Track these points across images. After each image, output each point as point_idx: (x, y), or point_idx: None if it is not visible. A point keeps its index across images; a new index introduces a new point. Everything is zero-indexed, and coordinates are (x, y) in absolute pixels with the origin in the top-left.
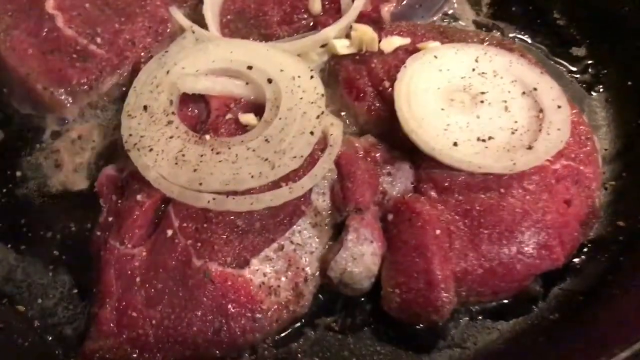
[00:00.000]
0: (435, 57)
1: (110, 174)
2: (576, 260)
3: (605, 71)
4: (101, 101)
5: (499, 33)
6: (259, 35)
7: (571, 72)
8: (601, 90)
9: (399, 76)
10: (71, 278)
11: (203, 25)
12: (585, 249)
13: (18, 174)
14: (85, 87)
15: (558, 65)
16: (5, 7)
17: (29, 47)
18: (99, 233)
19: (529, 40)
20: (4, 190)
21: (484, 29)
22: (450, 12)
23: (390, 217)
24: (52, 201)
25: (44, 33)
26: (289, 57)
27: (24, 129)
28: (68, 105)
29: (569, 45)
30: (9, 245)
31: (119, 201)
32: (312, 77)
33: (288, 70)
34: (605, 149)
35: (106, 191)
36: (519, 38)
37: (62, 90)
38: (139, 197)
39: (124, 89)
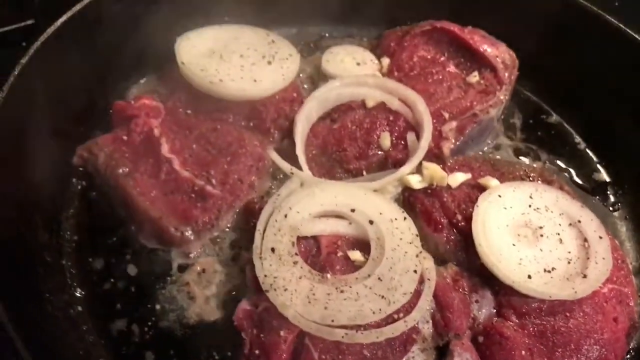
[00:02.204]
0: (499, 196)
1: (246, 308)
2: None
3: (621, 191)
4: (219, 236)
5: (528, 159)
6: (341, 169)
7: (593, 192)
8: (620, 207)
9: (474, 215)
10: None
11: (289, 157)
12: (628, 356)
13: (157, 307)
14: (209, 225)
15: (580, 189)
16: (121, 148)
17: (152, 188)
18: None
19: (557, 162)
20: (149, 323)
21: (519, 153)
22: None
23: (480, 339)
24: (192, 332)
25: (163, 175)
26: (384, 201)
27: (153, 264)
28: (192, 241)
29: (589, 167)
30: None
31: (261, 335)
32: (405, 218)
33: (386, 213)
34: (631, 263)
35: (246, 325)
36: (550, 161)
37: (189, 228)
38: (282, 332)
39: (228, 225)
